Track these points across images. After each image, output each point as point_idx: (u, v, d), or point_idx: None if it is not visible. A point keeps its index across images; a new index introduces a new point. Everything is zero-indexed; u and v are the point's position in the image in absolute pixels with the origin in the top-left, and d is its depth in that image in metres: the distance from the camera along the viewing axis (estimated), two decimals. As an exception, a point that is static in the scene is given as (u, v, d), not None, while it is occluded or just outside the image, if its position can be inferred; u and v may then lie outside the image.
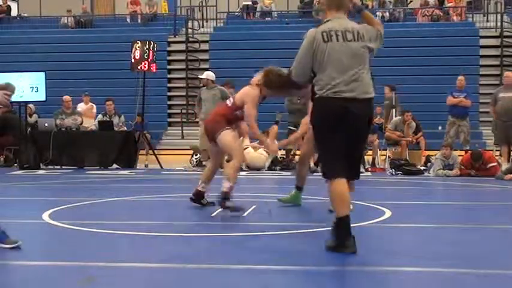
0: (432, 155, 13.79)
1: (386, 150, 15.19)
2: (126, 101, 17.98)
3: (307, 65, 5.22)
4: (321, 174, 5.23)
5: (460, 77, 14.71)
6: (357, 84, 5.11)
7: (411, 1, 24.62)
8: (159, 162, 14.92)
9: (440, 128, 16.04)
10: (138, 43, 15.09)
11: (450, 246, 5.50)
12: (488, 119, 16.63)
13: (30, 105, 16.55)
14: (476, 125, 18.44)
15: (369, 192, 10.37)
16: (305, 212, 7.73)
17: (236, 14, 24.82)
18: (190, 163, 14.69)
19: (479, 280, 4.32)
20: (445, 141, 13.82)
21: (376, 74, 20.78)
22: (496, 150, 14.72)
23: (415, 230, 6.56)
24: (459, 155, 13.36)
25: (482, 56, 20.75)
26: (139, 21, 24.63)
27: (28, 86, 15.00)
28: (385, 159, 14.97)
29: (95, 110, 16.89)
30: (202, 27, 23.61)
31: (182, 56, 22.37)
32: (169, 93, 21.91)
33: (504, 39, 20.90)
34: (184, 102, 21.23)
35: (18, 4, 27.74)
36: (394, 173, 13.24)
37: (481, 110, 18.67)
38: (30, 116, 16.57)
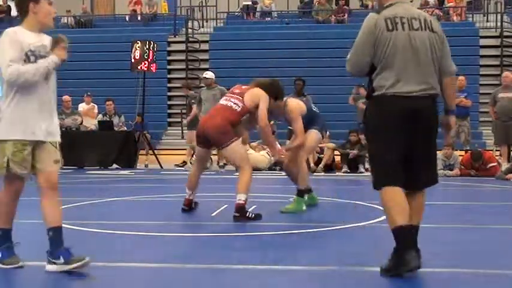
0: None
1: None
2: (126, 101, 17.99)
3: (366, 57, 4.44)
4: (371, 182, 4.53)
5: (460, 77, 14.70)
6: (424, 79, 4.35)
7: (411, 1, 24.56)
8: (159, 162, 14.93)
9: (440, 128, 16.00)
10: (138, 43, 15.11)
11: (449, 246, 5.50)
12: (488, 119, 16.63)
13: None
14: (476, 125, 18.45)
15: (369, 192, 10.37)
16: (306, 212, 7.72)
17: (236, 14, 24.83)
18: (190, 163, 14.70)
19: (479, 280, 4.32)
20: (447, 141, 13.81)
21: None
22: (496, 150, 14.72)
23: (415, 230, 6.54)
24: (459, 155, 13.37)
25: (482, 56, 20.75)
26: (139, 21, 24.63)
27: (28, 86, 15.01)
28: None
29: (96, 110, 16.88)
30: (202, 27, 23.62)
31: (182, 56, 22.38)
32: (169, 93, 21.91)
33: (504, 39, 20.90)
34: (184, 102, 21.23)
35: (18, 4, 27.71)
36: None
37: (481, 110, 18.68)
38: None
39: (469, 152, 13.44)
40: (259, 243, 5.73)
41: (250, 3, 24.68)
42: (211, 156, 12.93)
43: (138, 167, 14.81)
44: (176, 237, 6.09)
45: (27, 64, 4.42)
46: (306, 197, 7.71)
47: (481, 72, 20.37)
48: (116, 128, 15.37)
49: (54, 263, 4.53)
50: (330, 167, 14.02)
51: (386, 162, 4.38)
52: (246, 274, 4.56)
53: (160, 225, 6.69)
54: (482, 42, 20.98)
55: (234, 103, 7.17)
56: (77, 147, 14.53)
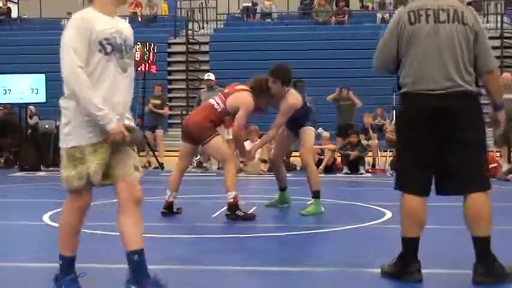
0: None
1: (386, 151, 15.18)
2: (126, 102, 17.97)
3: (391, 52, 4.25)
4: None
5: None
6: (448, 76, 4.09)
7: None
8: (159, 163, 14.91)
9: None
10: (138, 45, 15.10)
11: (450, 247, 5.48)
12: (488, 120, 16.59)
13: (31, 107, 16.55)
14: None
15: (370, 194, 10.37)
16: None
17: (236, 15, 24.82)
18: (191, 164, 14.67)
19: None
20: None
21: (376, 75, 20.63)
22: (497, 151, 14.70)
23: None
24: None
25: (482, 57, 20.72)
26: (139, 22, 24.63)
27: (28, 88, 15.02)
28: (386, 160, 14.96)
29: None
30: (203, 28, 23.60)
31: (182, 58, 22.37)
32: (169, 95, 21.89)
33: (504, 40, 20.89)
34: (185, 104, 21.21)
35: (18, 6, 27.74)
36: (394, 174, 13.22)
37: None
38: (31, 117, 16.57)
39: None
40: (259, 244, 5.72)
41: (250, 4, 24.67)
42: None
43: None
44: (176, 238, 6.08)
45: (93, 91, 3.68)
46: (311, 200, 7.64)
47: (481, 73, 20.34)
48: (116, 130, 15.42)
49: None
50: (330, 168, 14.01)
51: (407, 167, 4.23)
52: (246, 275, 4.55)
53: (160, 227, 6.68)
54: (483, 43, 20.95)
55: (217, 102, 7.25)
56: (78, 149, 14.53)
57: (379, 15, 22.58)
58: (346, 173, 13.60)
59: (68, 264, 3.95)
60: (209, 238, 6.06)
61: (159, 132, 16.16)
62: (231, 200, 6.97)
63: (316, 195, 7.49)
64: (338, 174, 13.56)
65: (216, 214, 7.31)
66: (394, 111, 16.67)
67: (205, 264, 4.80)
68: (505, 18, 21.92)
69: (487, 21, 22.46)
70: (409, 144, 4.19)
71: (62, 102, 3.83)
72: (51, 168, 14.44)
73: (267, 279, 4.43)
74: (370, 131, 14.80)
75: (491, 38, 23.39)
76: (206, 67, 21.07)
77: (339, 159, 14.20)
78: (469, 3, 23.84)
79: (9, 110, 16.44)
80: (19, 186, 11.45)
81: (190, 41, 22.51)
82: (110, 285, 4.37)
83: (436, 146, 4.13)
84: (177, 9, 24.51)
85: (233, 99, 7.18)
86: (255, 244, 5.74)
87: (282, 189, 8.04)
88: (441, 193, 4.30)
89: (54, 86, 18.03)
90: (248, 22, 24.26)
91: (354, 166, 13.76)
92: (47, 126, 15.03)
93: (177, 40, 22.91)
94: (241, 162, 13.48)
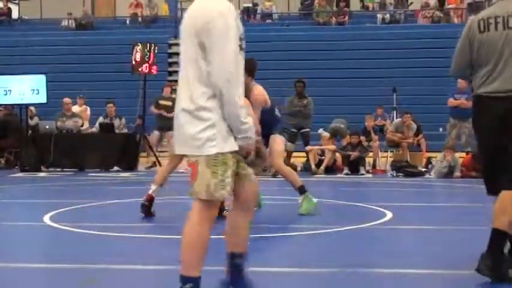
0: (433, 157, 13.78)
1: (387, 152, 15.18)
2: (126, 103, 17.99)
3: (464, 58, 4.48)
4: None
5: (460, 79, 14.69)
6: None
7: (412, 3, 24.63)
8: (160, 164, 14.91)
9: (441, 129, 16.03)
10: (138, 45, 15.11)
11: (451, 247, 5.49)
12: None
13: (31, 108, 16.57)
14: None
15: (370, 194, 10.37)
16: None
17: (237, 16, 24.83)
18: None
19: (479, 281, 4.31)
20: (447, 144, 13.79)
21: (377, 76, 20.85)
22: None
23: (416, 231, 6.55)
24: (460, 157, 13.36)
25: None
26: (140, 23, 24.65)
27: (29, 89, 15.04)
28: (386, 161, 14.96)
29: (88, 112, 17.06)
30: (203, 29, 23.62)
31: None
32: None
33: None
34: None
35: (19, 7, 27.76)
36: (395, 174, 13.24)
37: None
38: (31, 118, 16.58)
39: (470, 153, 13.43)
40: (262, 244, 5.73)
41: (250, 5, 24.68)
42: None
43: (139, 169, 14.80)
44: (178, 239, 6.09)
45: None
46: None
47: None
48: (116, 131, 15.38)
49: None
50: (331, 169, 14.02)
51: (484, 171, 4.47)
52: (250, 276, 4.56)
53: (161, 227, 6.69)
54: (483, 43, 20.97)
55: None
56: (78, 150, 14.54)
57: (379, 16, 22.60)
58: (347, 174, 13.61)
59: (197, 286, 3.56)
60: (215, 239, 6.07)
61: (171, 133, 15.92)
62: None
63: (301, 190, 7.55)
64: (339, 175, 13.57)
65: (224, 213, 7.31)
66: (395, 111, 16.71)
67: (208, 266, 4.80)
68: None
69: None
70: (482, 146, 4.43)
71: (202, 101, 3.40)
72: (51, 169, 14.46)
73: (268, 280, 4.44)
74: (372, 133, 14.80)
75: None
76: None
77: (339, 160, 14.20)
78: (469, 4, 23.94)
79: (9, 111, 16.46)
80: (20, 187, 11.47)
81: (191, 41, 22.51)
82: (111, 287, 4.37)
83: (500, 146, 4.28)
84: (178, 9, 24.51)
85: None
86: (259, 244, 5.76)
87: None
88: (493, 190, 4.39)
89: (55, 86, 18.15)
90: (249, 23, 24.26)
91: (355, 167, 13.77)
92: (47, 126, 15.04)
93: (178, 41, 22.84)
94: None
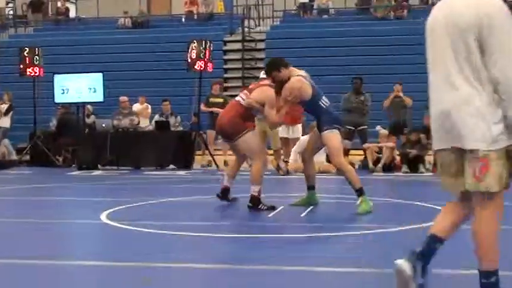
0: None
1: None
2: (182, 101, 18.16)
3: None
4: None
5: None
6: None
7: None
8: (215, 162, 15.01)
9: None
10: (194, 43, 15.22)
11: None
12: None
13: (88, 106, 16.89)
14: None
15: (430, 193, 10.23)
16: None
17: (292, 12, 24.80)
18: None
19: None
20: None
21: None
22: None
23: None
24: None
25: None
26: (195, 20, 24.84)
27: (86, 87, 15.35)
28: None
29: (149, 110, 17.21)
30: (259, 25, 23.66)
31: (238, 55, 22.47)
32: (225, 93, 22.03)
33: None
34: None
35: (76, 6, 28.32)
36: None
37: None
38: (88, 116, 16.91)
39: None
40: (316, 244, 5.71)
41: (307, 1, 24.60)
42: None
43: (194, 168, 14.92)
44: (231, 238, 6.12)
45: None
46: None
47: None
48: (172, 128, 15.54)
49: (414, 268, 3.74)
50: (389, 167, 13.87)
51: None
52: (299, 275, 4.55)
53: (215, 226, 6.73)
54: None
55: (242, 99, 7.71)
56: (134, 148, 14.73)
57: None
58: (406, 172, 13.44)
59: (498, 279, 3.65)
60: (264, 238, 6.08)
61: None
62: (254, 194, 7.46)
63: (360, 192, 7.36)
64: (397, 173, 13.41)
65: (271, 214, 7.33)
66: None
67: (260, 265, 4.81)
68: None
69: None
70: None
71: (483, 98, 3.45)
72: (107, 167, 14.70)
73: (328, 278, 4.42)
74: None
75: None
76: (262, 65, 21.11)
77: (398, 158, 14.03)
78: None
79: (67, 110, 16.79)
80: (77, 185, 11.69)
81: (246, 38, 22.59)
82: (166, 285, 4.41)
83: None
84: (233, 6, 24.63)
85: (257, 94, 7.62)
86: (311, 244, 5.74)
87: (310, 187, 7.86)
88: None
89: (112, 85, 18.44)
90: (305, 18, 24.20)
91: (414, 165, 13.58)
92: (103, 125, 15.28)
93: (233, 38, 23.01)
94: (286, 161, 13.47)
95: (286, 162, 13.48)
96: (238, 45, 22.64)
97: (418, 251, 3.81)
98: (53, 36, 24.03)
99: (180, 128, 16.02)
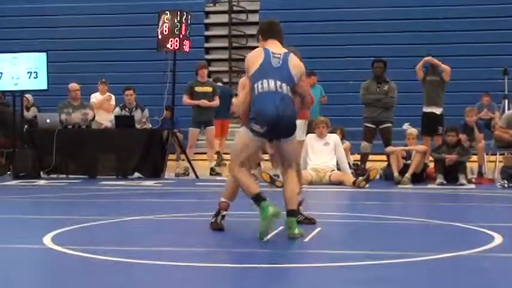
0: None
1: (495, 154, 14.98)
2: (150, 89, 18.14)
3: None
4: None
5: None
6: None
7: None
8: (193, 169, 14.99)
9: None
10: (166, 14, 15.19)
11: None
12: None
13: (28, 96, 16.83)
14: None
15: (473, 211, 10.25)
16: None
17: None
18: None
19: None
20: None
21: (481, 53, 20.51)
22: None
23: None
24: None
25: None
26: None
27: (25, 71, 15.26)
28: (495, 166, 14.77)
29: (113, 102, 17.06)
30: (250, -8, 23.72)
31: (224, 31, 22.49)
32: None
33: None
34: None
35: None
36: (507, 185, 13.06)
37: None
38: (28, 109, 16.85)
39: None
40: (321, 276, 5.72)
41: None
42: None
43: (166, 177, 14.89)
44: (216, 268, 6.11)
45: None
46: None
47: None
48: (137, 126, 15.50)
49: None
50: (419, 177, 13.89)
51: None
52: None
53: (194, 253, 6.71)
54: None
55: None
56: (88, 150, 14.68)
57: None
58: (441, 184, 13.47)
59: None
60: (257, 268, 6.09)
61: (211, 129, 15.77)
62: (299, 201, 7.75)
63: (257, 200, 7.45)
64: (430, 186, 13.44)
65: (308, 238, 7.33)
66: (506, 100, 16.46)
67: None
68: None
69: None
70: None
71: None
72: (53, 176, 14.64)
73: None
74: (476, 130, 14.58)
75: None
76: (255, 43, 21.11)
77: (431, 165, 14.07)
78: None
79: (0, 100, 16.69)
80: (13, 199, 11.64)
81: (235, 9, 22.61)
82: None
83: None
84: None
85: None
86: (330, 274, 5.76)
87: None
88: None
89: (58, 68, 18.39)
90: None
91: (452, 174, 13.62)
92: (48, 120, 15.18)
93: (217, 8, 23.05)
94: None
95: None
96: (224, 18, 22.65)
97: None
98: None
99: (148, 126, 15.99)
